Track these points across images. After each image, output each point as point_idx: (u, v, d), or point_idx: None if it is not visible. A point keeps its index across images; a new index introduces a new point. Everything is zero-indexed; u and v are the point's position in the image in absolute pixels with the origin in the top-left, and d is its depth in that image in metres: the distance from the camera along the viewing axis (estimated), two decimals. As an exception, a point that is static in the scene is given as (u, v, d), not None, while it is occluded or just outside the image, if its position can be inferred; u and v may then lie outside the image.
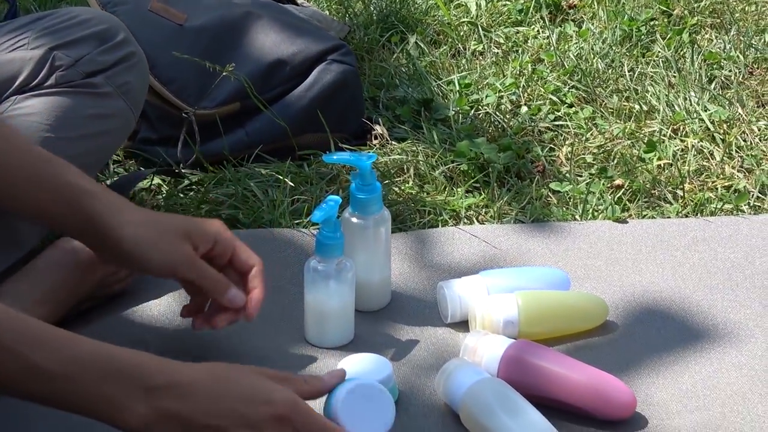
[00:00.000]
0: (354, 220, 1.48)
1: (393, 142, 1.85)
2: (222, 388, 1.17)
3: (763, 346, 1.43)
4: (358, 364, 1.36)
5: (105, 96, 1.52)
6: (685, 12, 2.23)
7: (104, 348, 1.16)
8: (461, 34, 2.17)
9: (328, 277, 1.43)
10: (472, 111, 1.94)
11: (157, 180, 1.75)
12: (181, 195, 1.72)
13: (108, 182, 1.71)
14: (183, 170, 1.74)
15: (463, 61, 2.08)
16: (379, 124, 1.88)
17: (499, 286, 1.49)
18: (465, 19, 2.21)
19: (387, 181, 1.74)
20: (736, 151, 1.84)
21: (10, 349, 1.13)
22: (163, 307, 1.49)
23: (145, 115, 1.80)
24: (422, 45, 2.11)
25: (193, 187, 1.74)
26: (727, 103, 1.95)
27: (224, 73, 1.75)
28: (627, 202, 1.72)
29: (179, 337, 1.45)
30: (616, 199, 1.71)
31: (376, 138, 1.87)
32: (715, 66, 2.06)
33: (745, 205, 1.71)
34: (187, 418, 1.16)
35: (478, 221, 1.68)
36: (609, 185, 1.74)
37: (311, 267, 1.43)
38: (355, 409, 1.25)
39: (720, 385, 1.37)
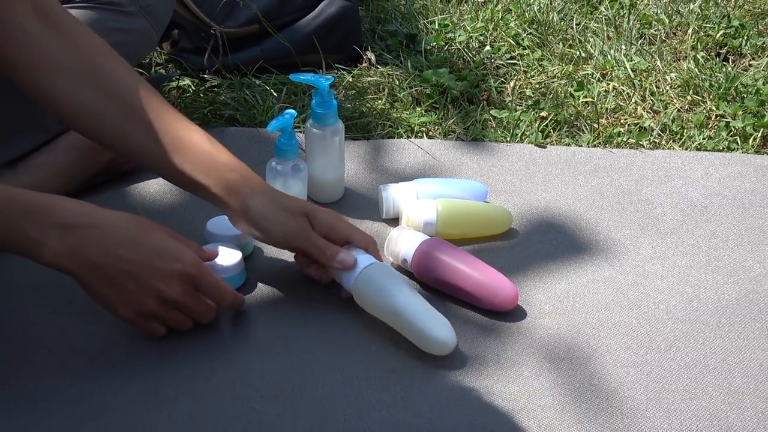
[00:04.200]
0: (314, 130, 1.22)
1: (378, 66, 1.57)
2: (139, 238, 0.92)
3: (632, 263, 1.15)
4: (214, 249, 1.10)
5: (128, 14, 1.25)
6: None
7: (24, 192, 0.91)
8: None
9: (285, 175, 1.17)
10: (446, 46, 1.64)
11: (187, 81, 1.50)
12: (201, 96, 1.46)
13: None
14: (204, 75, 1.49)
15: (449, 5, 1.77)
16: (369, 51, 1.60)
17: (427, 193, 1.22)
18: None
19: (364, 98, 1.47)
20: (650, 96, 1.53)
21: None
22: (159, 186, 1.24)
23: (185, 29, 1.54)
24: (418, -9, 1.81)
25: (213, 89, 1.49)
26: (650, 56, 1.63)
27: (243, 2, 1.48)
28: (551, 131, 1.43)
29: (163, 212, 1.21)
30: (541, 127, 1.43)
31: (366, 62, 1.59)
32: (646, 26, 1.73)
33: (645, 140, 1.42)
34: (99, 258, 0.90)
35: (427, 136, 1.41)
36: (537, 116, 1.45)
37: (272, 167, 1.18)
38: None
39: (588, 295, 1.10)
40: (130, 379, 0.96)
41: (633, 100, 1.51)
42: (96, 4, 1.22)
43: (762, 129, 1.42)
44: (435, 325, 1.01)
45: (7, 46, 1.00)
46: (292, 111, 1.15)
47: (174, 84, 1.48)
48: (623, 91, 1.53)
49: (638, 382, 0.98)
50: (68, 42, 1.02)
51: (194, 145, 1.02)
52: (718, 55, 1.65)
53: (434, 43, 1.63)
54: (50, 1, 1.03)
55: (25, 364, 0.97)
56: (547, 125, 1.42)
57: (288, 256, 1.14)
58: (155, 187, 1.24)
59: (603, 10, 1.75)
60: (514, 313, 1.08)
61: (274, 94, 1.42)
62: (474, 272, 1.10)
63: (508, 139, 1.40)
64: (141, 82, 1.04)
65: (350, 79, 1.50)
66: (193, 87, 1.48)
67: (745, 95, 1.50)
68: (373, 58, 1.58)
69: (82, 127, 1.03)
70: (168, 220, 1.19)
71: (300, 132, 1.33)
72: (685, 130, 1.44)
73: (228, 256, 1.08)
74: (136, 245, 0.93)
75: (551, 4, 1.77)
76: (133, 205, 1.21)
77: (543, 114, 1.44)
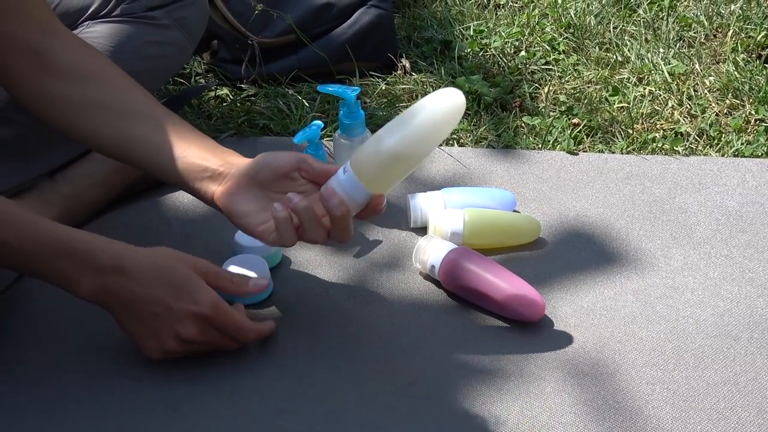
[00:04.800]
0: (342, 140, 1.18)
1: (413, 73, 1.53)
2: (158, 279, 0.90)
3: (662, 275, 1.08)
4: (240, 262, 1.06)
5: (163, 27, 1.22)
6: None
7: (63, 230, 0.91)
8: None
9: (312, 184, 1.14)
10: (481, 52, 1.58)
11: (225, 91, 1.47)
12: (238, 105, 1.44)
13: (182, 89, 1.45)
14: (241, 85, 1.46)
15: (485, 11, 1.71)
16: (404, 59, 1.55)
17: (455, 202, 1.17)
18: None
19: (396, 106, 1.43)
20: (687, 100, 1.45)
21: None
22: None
23: (223, 39, 1.51)
24: (455, -3, 1.75)
25: (250, 99, 1.46)
26: (688, 59, 1.55)
27: (277, 15, 1.44)
28: (584, 137, 1.36)
29: (195, 220, 1.18)
30: (573, 134, 1.36)
31: (401, 69, 1.54)
32: (685, 28, 1.65)
33: (681, 146, 1.34)
34: (127, 298, 0.91)
35: (458, 144, 1.36)
36: (569, 122, 1.39)
37: (299, 176, 1.15)
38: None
39: (616, 308, 1.04)
40: (154, 394, 0.94)
41: (669, 105, 1.43)
42: (131, 18, 1.20)
43: (802, 134, 1.34)
44: (442, 96, 0.89)
45: (11, 59, 0.98)
46: (319, 122, 1.11)
47: (212, 93, 1.45)
48: (660, 95, 1.45)
49: (664, 400, 0.92)
50: (71, 54, 1.00)
51: (196, 134, 0.99)
52: (759, 57, 1.56)
53: (469, 50, 1.57)
54: (54, 20, 1.02)
55: (52, 376, 0.96)
56: (580, 131, 1.36)
57: (313, 267, 1.10)
58: (189, 197, 1.21)
59: (641, 13, 1.67)
60: (539, 325, 1.02)
61: (306, 104, 1.39)
62: (501, 282, 1.05)
63: (540, 146, 1.34)
64: (143, 89, 1.01)
65: (383, 87, 1.46)
66: (230, 96, 1.45)
67: (787, 99, 1.42)
68: (407, 65, 1.53)
69: (80, 125, 0.99)
70: (199, 229, 1.16)
71: (331, 141, 1.29)
72: (723, 135, 1.36)
73: (254, 268, 1.04)
74: (156, 286, 0.91)
75: (588, 7, 1.69)
76: (166, 214, 1.19)
77: (575, 121, 1.37)
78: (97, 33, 1.18)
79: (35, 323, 1.02)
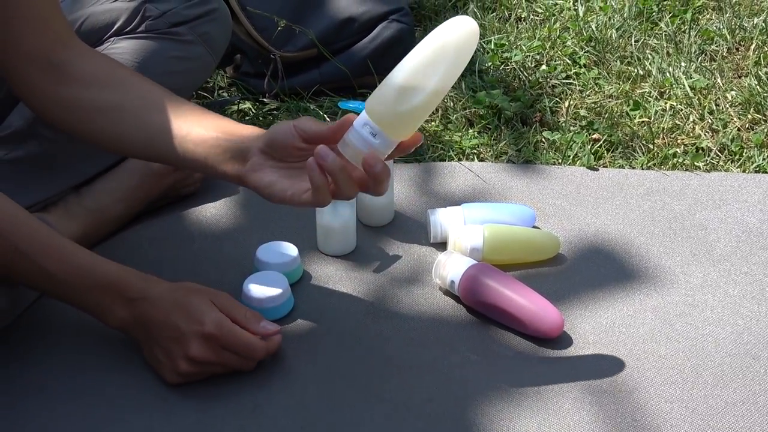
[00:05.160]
0: (362, 155, 1.20)
1: (434, 87, 1.54)
2: (174, 307, 0.95)
3: (682, 292, 1.09)
4: (260, 279, 1.08)
5: (187, 42, 1.24)
6: (694, -5, 1.80)
7: (99, 263, 0.96)
8: (512, 2, 1.80)
9: (333, 204, 1.15)
10: (502, 66, 1.59)
11: (248, 105, 1.49)
12: (260, 119, 1.46)
13: (205, 102, 1.47)
14: (263, 99, 1.48)
15: (506, 25, 1.72)
16: (425, 73, 1.56)
17: (475, 218, 1.18)
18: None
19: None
20: (708, 114, 1.45)
21: (23, 253, 0.93)
22: (215, 210, 1.23)
23: (246, 54, 1.54)
24: (476, 10, 1.76)
25: (272, 112, 1.48)
26: (710, 73, 1.55)
27: (299, 29, 1.46)
28: (605, 152, 1.37)
29: (218, 235, 1.19)
30: (593, 149, 1.37)
31: (422, 83, 1.55)
32: (707, 41, 1.65)
33: (702, 162, 1.34)
34: (149, 327, 0.96)
35: (478, 159, 1.36)
36: (590, 137, 1.39)
37: (320, 193, 1.16)
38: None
39: (635, 325, 1.05)
40: (179, 411, 0.95)
41: (691, 120, 1.43)
42: (156, 34, 1.22)
43: (825, 149, 1.34)
44: (456, 27, 0.88)
45: (29, 75, 1.01)
46: (340, 139, 1.13)
47: (235, 107, 1.47)
48: (681, 110, 1.45)
49: (683, 418, 0.92)
50: (87, 64, 1.03)
51: (215, 117, 1.01)
52: (782, 71, 1.56)
53: (490, 63, 1.59)
54: (74, 37, 1.04)
55: (78, 394, 0.98)
56: (600, 146, 1.36)
57: (333, 282, 1.12)
58: (212, 211, 1.24)
59: (663, 26, 1.68)
60: (558, 341, 1.03)
61: (327, 118, 1.40)
62: (520, 298, 1.06)
63: (560, 161, 1.35)
64: (157, 85, 1.03)
65: (405, 101, 1.48)
66: (252, 110, 1.48)
67: (809, 113, 1.41)
68: (428, 79, 1.54)
69: (98, 130, 1.02)
70: (221, 244, 1.18)
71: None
72: (745, 151, 1.37)
73: (275, 285, 1.06)
74: (172, 314, 0.96)
75: (610, 21, 1.70)
76: (189, 228, 1.21)
77: (595, 136, 1.38)
78: (122, 49, 1.21)
79: (61, 338, 1.04)
